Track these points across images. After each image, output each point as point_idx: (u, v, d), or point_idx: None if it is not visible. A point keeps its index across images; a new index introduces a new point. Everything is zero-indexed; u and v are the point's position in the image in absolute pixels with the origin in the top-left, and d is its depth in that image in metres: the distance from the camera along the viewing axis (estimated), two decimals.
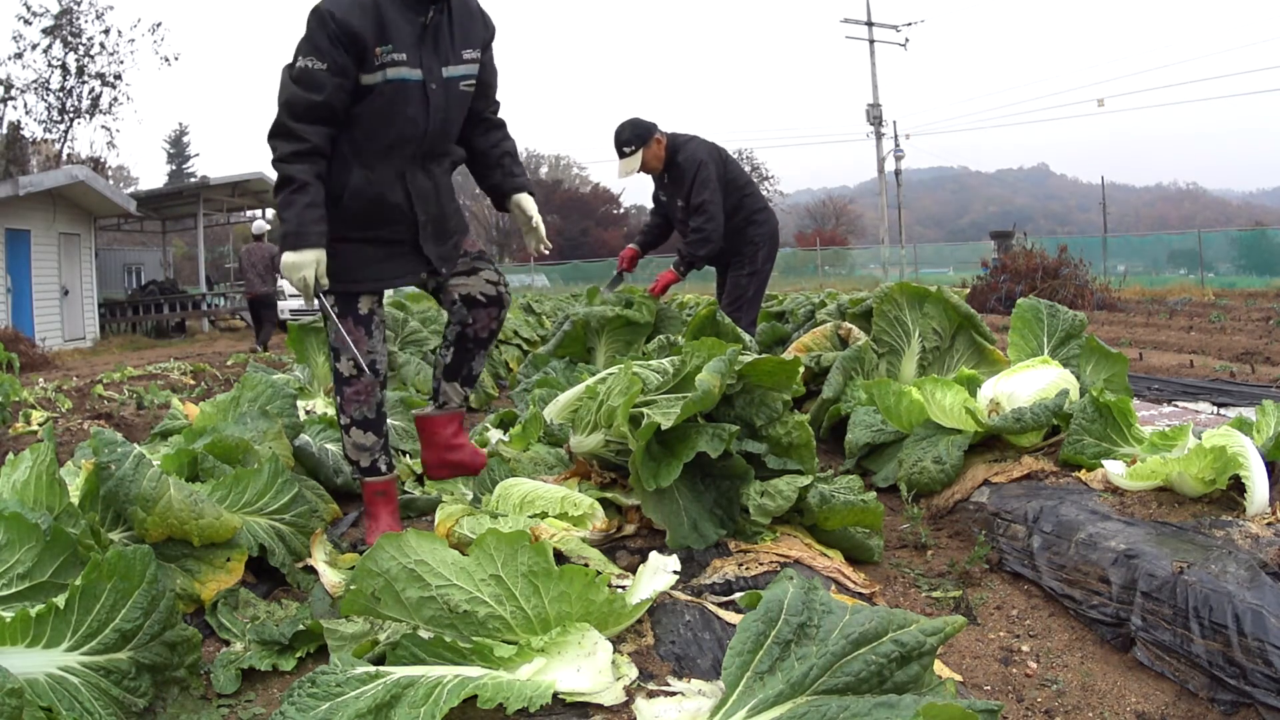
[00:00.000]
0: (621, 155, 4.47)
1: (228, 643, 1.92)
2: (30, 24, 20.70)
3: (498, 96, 2.57)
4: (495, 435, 3.16)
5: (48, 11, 20.72)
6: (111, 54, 21.70)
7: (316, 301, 2.25)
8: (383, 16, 2.14)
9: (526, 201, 2.56)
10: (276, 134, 2.15)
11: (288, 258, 2.16)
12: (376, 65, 2.15)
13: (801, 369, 2.35)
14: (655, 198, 4.86)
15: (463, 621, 1.49)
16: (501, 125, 2.58)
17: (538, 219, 2.58)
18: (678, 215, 4.60)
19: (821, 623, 1.28)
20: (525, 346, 7.03)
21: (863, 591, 1.96)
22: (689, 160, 4.42)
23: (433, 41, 2.24)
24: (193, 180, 27.18)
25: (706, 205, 4.38)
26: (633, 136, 4.43)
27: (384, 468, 2.46)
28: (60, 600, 1.44)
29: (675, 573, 1.65)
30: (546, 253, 2.70)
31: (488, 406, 5.24)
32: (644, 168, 4.51)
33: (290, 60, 2.17)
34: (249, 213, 24.73)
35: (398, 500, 2.54)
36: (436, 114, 2.27)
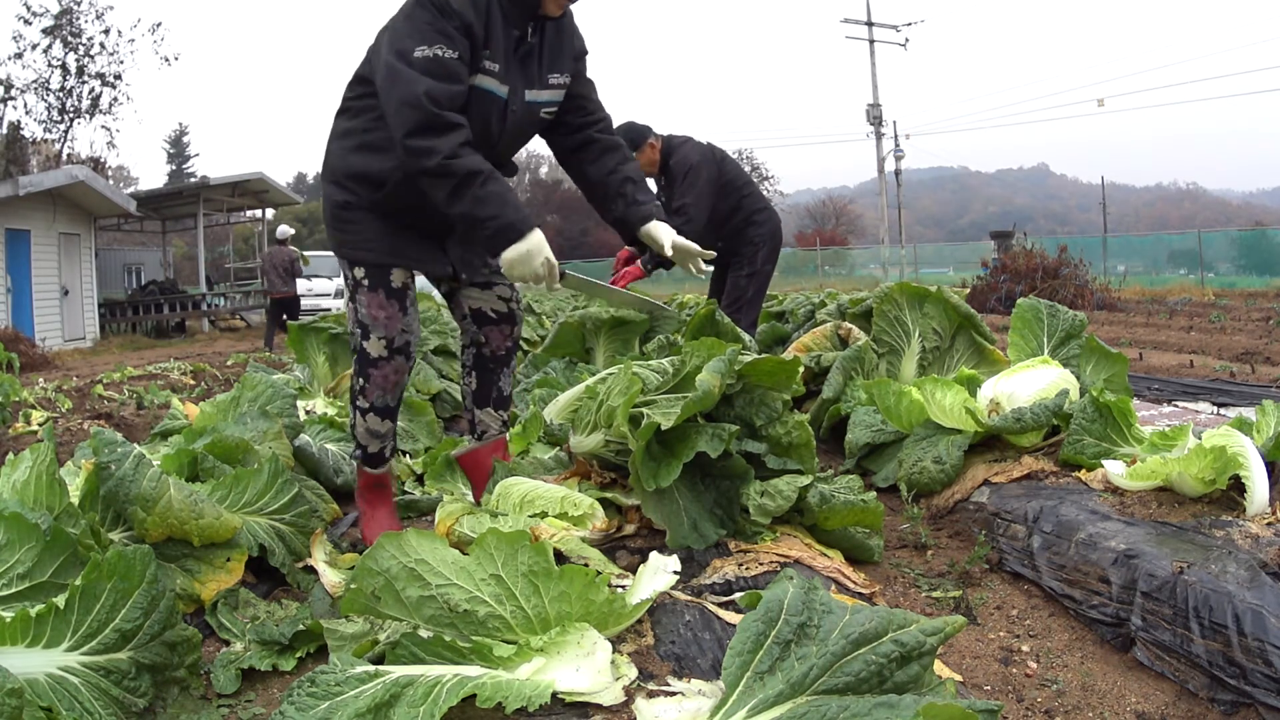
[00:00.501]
0: None
1: (228, 643, 1.92)
2: (30, 24, 20.76)
3: (602, 112, 2.37)
4: None
5: (48, 11, 20.77)
6: (111, 54, 21.75)
7: (563, 280, 2.03)
8: (490, 21, 2.01)
9: (659, 230, 2.30)
10: (426, 129, 1.87)
11: (514, 252, 1.93)
12: (474, 70, 2.02)
13: (801, 369, 2.34)
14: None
15: (462, 621, 1.49)
16: (618, 147, 2.37)
17: (679, 241, 2.32)
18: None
19: (821, 623, 1.28)
20: (525, 346, 7.03)
21: (863, 591, 1.96)
22: (679, 164, 4.42)
23: (522, 60, 2.12)
24: (193, 180, 27.22)
25: (686, 208, 4.37)
26: (624, 141, 4.44)
27: (388, 454, 2.41)
28: (60, 600, 1.44)
29: (675, 573, 1.65)
30: (708, 268, 2.38)
31: None
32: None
33: (396, 49, 1.93)
34: (249, 212, 24.77)
35: (393, 496, 2.52)
36: (509, 134, 2.17)
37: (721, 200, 4.47)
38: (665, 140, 4.52)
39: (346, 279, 2.27)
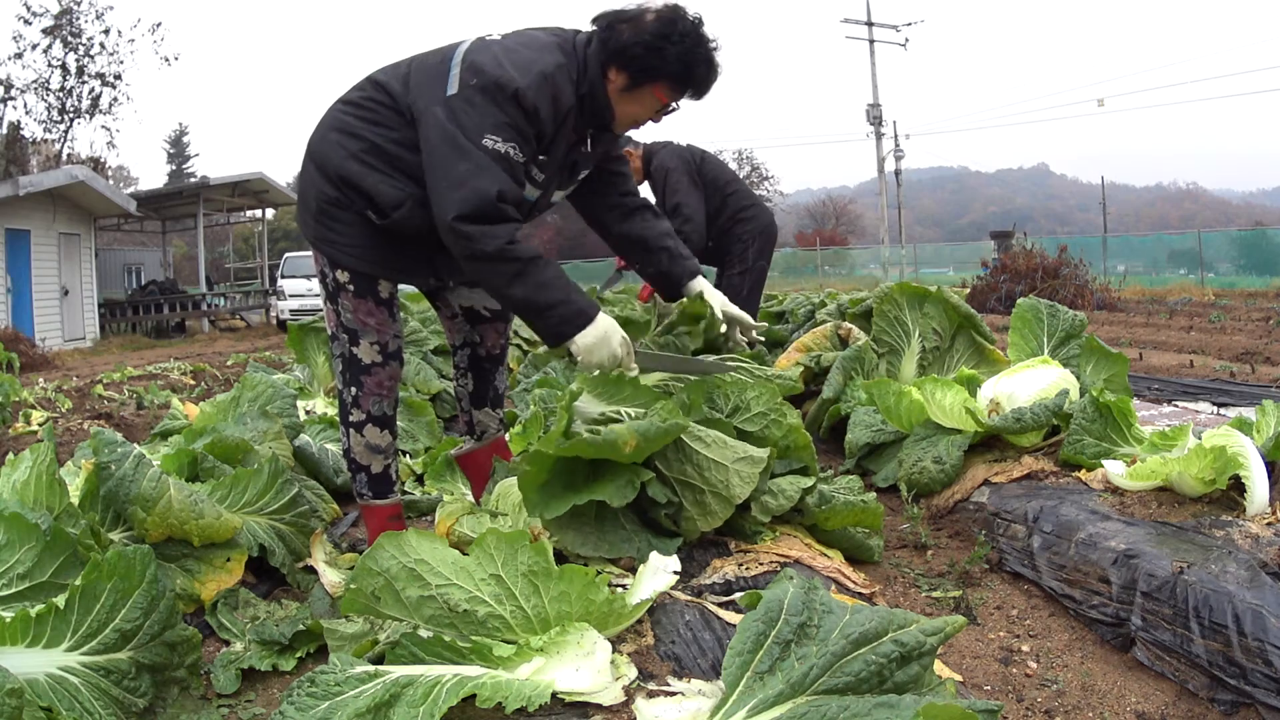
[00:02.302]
0: None
1: (228, 643, 1.92)
2: (30, 24, 20.76)
3: (634, 183, 2.34)
4: None
5: (48, 11, 20.77)
6: (111, 54, 21.74)
7: (637, 360, 2.02)
8: (561, 130, 1.99)
9: (709, 291, 2.27)
10: (485, 218, 1.85)
11: (589, 337, 1.92)
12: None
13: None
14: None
15: (462, 621, 1.49)
16: (650, 207, 2.34)
17: (730, 310, 2.27)
18: None
19: (822, 623, 1.28)
20: (525, 346, 7.03)
21: (863, 591, 1.96)
22: (658, 170, 4.44)
23: (568, 165, 2.11)
24: (193, 180, 27.21)
25: (681, 208, 4.37)
26: None
27: (394, 475, 2.27)
28: (60, 600, 1.44)
29: (675, 573, 1.65)
30: (760, 340, 2.33)
31: None
32: None
33: (463, 123, 1.88)
34: (249, 213, 24.78)
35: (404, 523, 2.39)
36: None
37: (705, 199, 4.47)
38: (646, 149, 4.53)
39: (325, 277, 2.14)
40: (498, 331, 2.44)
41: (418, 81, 2.00)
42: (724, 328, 2.30)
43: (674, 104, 2.05)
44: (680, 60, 1.95)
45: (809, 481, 2.12)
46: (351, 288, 2.10)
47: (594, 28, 2.03)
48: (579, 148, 2.11)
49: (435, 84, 1.96)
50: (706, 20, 2.01)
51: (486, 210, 1.85)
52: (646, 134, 4.74)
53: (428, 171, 1.95)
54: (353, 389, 2.17)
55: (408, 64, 2.07)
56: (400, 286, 2.24)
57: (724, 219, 4.54)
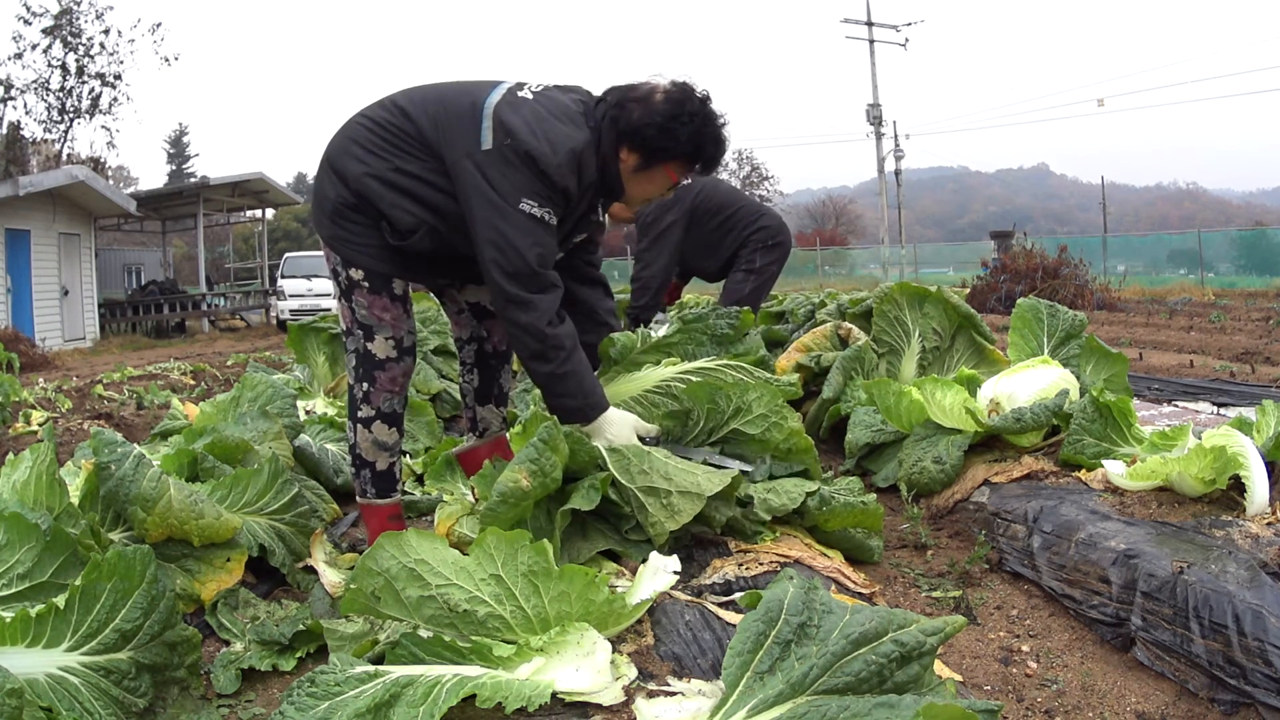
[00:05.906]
0: None
1: (228, 643, 1.92)
2: (30, 24, 20.70)
3: (600, 251, 2.49)
4: None
5: (48, 12, 20.72)
6: (111, 54, 21.68)
7: (651, 437, 2.14)
8: (579, 203, 2.07)
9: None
10: (529, 281, 1.95)
11: (604, 436, 2.03)
12: None
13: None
14: None
15: (462, 621, 1.49)
16: (606, 283, 2.50)
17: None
18: None
19: (822, 623, 1.28)
20: None
21: (863, 591, 1.96)
22: (640, 214, 4.42)
23: (577, 231, 2.20)
24: (193, 180, 27.17)
25: (643, 254, 4.40)
26: None
27: (398, 474, 2.28)
28: (60, 600, 1.44)
29: (675, 573, 1.65)
30: None
31: None
32: (612, 215, 4.49)
33: (500, 189, 1.93)
34: (249, 213, 24.78)
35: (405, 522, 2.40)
36: None
37: (705, 227, 4.45)
38: None
39: (339, 276, 2.15)
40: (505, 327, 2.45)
41: (447, 125, 2.02)
42: None
43: (684, 179, 2.13)
44: (691, 140, 2.04)
45: (813, 485, 2.13)
46: (366, 285, 2.13)
47: (605, 100, 2.08)
48: (589, 215, 2.18)
49: (466, 133, 1.99)
50: (714, 96, 2.07)
51: (523, 270, 1.94)
52: None
53: (471, 224, 2.00)
54: (365, 384, 2.18)
55: (436, 101, 2.06)
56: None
57: (733, 237, 4.51)
